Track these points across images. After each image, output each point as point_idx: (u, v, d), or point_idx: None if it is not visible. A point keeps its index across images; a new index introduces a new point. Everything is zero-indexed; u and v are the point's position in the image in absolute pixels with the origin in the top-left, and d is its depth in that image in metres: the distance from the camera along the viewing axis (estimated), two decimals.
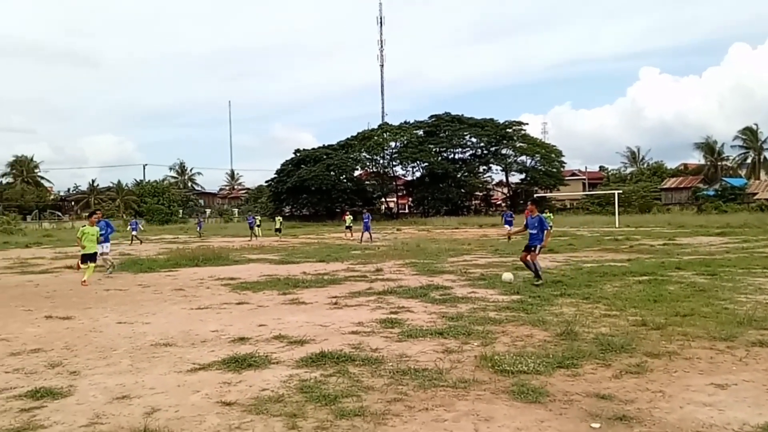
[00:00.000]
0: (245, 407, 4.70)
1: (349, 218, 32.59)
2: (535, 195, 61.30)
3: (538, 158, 72.22)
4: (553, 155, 73.56)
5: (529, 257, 11.53)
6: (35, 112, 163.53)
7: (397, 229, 44.24)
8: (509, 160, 73.67)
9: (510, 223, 30.09)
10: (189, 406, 4.81)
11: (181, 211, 79.42)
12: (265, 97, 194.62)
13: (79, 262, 14.01)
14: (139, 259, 19.42)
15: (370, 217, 30.39)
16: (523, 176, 74.31)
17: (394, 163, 74.88)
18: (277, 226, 35.69)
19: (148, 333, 7.82)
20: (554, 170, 72.49)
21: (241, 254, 21.41)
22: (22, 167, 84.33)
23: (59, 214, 79.18)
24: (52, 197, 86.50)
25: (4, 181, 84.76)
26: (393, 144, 73.33)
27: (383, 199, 79.48)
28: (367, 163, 75.52)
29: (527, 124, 75.60)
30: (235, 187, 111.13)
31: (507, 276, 11.95)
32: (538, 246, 11.56)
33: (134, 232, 33.94)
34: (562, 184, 74.76)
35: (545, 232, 11.64)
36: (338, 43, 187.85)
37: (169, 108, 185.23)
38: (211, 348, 6.86)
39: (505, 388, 5.00)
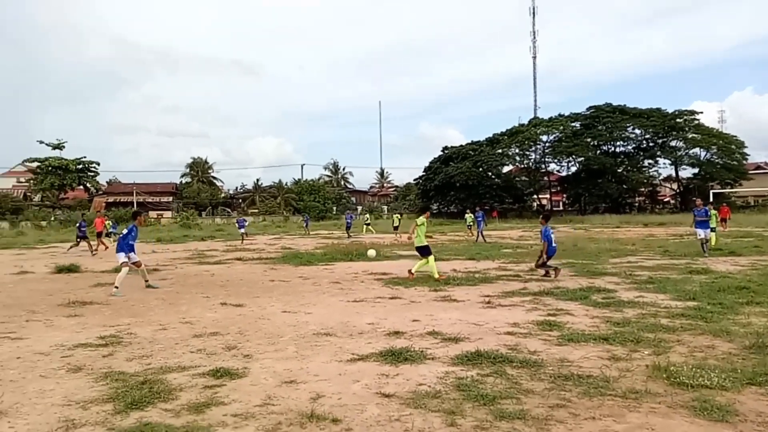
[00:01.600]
0: (403, 400, 4.75)
1: (469, 217, 32.04)
2: (710, 191, 55.86)
3: (714, 150, 65.17)
4: (733, 146, 65.98)
5: None
6: (209, 118, 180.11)
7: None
8: (679, 153, 67.22)
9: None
10: (350, 394, 4.96)
11: (334, 208, 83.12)
12: (413, 96, 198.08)
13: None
14: (299, 253, 20.56)
15: (484, 216, 29.47)
16: (695, 171, 67.59)
17: (547, 158, 72.11)
18: (395, 224, 35.50)
19: (310, 322, 8.21)
20: (734, 163, 65.02)
21: (391, 250, 21.87)
22: (198, 168, 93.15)
23: (228, 210, 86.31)
24: (222, 195, 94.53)
25: (184, 180, 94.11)
26: (545, 138, 70.64)
27: (535, 196, 76.96)
28: (518, 159, 73.37)
29: (700, 112, 68.29)
30: (384, 185, 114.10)
31: (371, 252, 14.78)
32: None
33: (242, 230, 33.07)
34: (744, 178, 67.02)
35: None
36: (486, 37, 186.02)
37: (324, 110, 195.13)
38: (368, 340, 7.04)
39: (683, 403, 4.57)
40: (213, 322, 8.32)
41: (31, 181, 77.75)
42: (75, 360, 6.19)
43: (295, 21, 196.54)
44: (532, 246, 23.47)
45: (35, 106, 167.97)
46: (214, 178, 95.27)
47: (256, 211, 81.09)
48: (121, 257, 11.78)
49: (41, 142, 75.96)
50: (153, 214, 72.70)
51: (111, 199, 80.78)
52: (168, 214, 76.52)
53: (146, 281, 12.15)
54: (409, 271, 13.07)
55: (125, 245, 11.91)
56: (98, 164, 78.77)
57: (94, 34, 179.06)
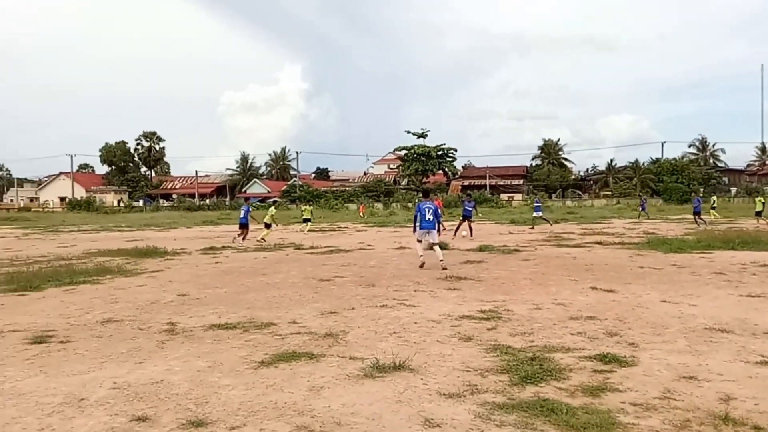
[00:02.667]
0: None
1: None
2: None
3: None
4: None
5: None
6: (558, 99, 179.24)
7: None
8: None
9: None
10: None
11: (701, 189, 74.37)
12: None
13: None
14: (666, 238, 18.87)
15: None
16: None
17: None
18: (758, 209, 28.23)
19: (698, 315, 7.36)
20: None
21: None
22: (549, 150, 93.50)
23: (579, 192, 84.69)
24: (572, 177, 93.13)
25: (534, 163, 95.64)
26: None
27: None
28: None
29: None
30: (767, 162, 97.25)
31: None
32: None
33: (644, 210, 36.79)
34: None
35: None
36: None
37: (687, 81, 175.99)
38: None
39: None
40: (587, 306, 8.10)
41: (400, 167, 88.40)
42: (463, 330, 6.67)
43: None
44: None
45: (404, 100, 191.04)
46: (565, 159, 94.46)
47: (609, 193, 77.69)
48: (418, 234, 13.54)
49: (408, 132, 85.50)
50: (504, 196, 75.87)
51: (466, 183, 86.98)
52: (518, 196, 78.90)
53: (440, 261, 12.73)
54: None
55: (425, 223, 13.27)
56: (455, 150, 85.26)
57: (452, 28, 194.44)
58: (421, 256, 13.17)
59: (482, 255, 15.14)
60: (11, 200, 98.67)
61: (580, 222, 32.92)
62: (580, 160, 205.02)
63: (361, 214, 46.74)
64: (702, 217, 27.79)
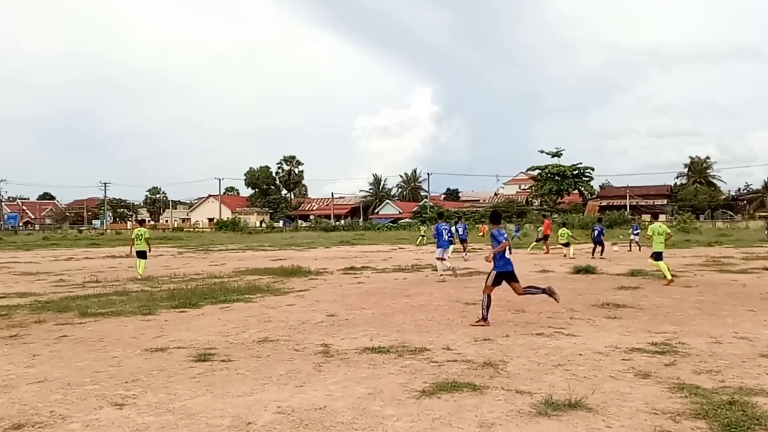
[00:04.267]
0: None
1: None
2: None
3: None
4: None
5: None
6: (701, 114, 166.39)
7: None
8: None
9: None
10: None
11: None
12: None
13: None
14: None
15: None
16: None
17: None
18: None
19: None
20: None
21: None
22: (696, 168, 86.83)
23: (731, 213, 77.63)
24: (723, 197, 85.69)
25: (678, 182, 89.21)
26: None
27: None
28: None
29: None
30: None
31: None
32: None
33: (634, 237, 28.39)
34: None
35: None
36: None
37: None
38: None
39: None
40: None
41: (532, 187, 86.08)
42: (637, 365, 6.04)
43: None
44: None
45: (536, 118, 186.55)
46: (714, 177, 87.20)
47: (766, 214, 70.41)
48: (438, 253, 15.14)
49: (542, 152, 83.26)
50: (646, 217, 71.18)
51: (604, 203, 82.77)
52: (662, 217, 73.70)
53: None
54: None
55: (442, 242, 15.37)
56: (593, 169, 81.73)
57: (586, 44, 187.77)
58: (441, 274, 15.08)
59: (636, 280, 14.06)
60: (166, 221, 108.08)
61: (737, 245, 29.95)
62: (730, 179, 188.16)
63: (481, 233, 46.09)
64: None
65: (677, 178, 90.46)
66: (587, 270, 16.42)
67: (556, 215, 72.34)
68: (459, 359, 6.41)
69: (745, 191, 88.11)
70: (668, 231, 14.29)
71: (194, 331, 8.43)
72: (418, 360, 6.43)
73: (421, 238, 25.85)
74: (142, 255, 17.17)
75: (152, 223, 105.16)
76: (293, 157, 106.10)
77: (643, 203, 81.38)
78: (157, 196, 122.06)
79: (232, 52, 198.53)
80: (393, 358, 6.53)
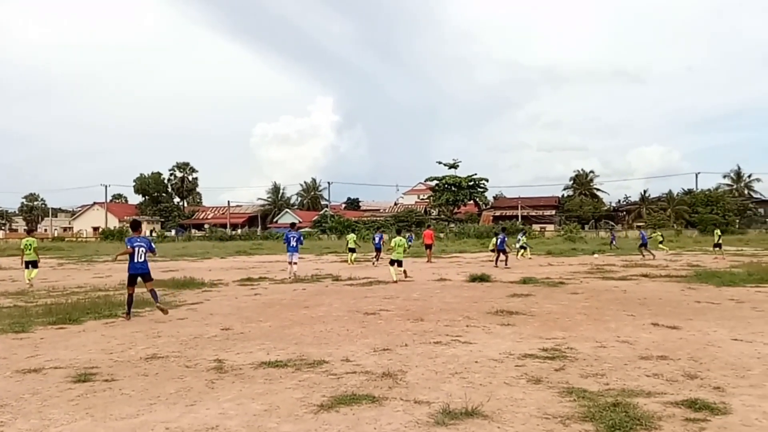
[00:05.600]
0: None
1: None
2: None
3: None
4: None
5: None
6: (588, 130, 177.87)
7: None
8: None
9: None
10: None
11: (737, 221, 72.48)
12: None
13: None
14: (716, 271, 18.13)
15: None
16: None
17: None
18: (717, 242, 28.67)
19: None
20: None
21: None
22: (581, 181, 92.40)
23: (612, 223, 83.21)
24: (605, 208, 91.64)
25: (565, 194, 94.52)
26: None
27: None
28: None
29: None
30: None
31: None
32: None
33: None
34: None
35: None
36: None
37: (720, 112, 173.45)
38: None
39: None
40: (654, 344, 7.60)
41: (431, 198, 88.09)
42: (530, 371, 6.24)
43: (682, 17, 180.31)
44: None
45: (435, 131, 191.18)
46: (598, 190, 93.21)
47: (643, 224, 76.12)
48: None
49: (439, 163, 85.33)
50: (536, 227, 74.82)
51: (497, 213, 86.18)
52: (550, 227, 77.79)
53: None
54: None
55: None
56: (487, 180, 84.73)
57: (483, 60, 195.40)
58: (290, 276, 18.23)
59: (527, 288, 14.62)
60: (45, 230, 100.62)
61: (618, 253, 32.14)
62: (611, 191, 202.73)
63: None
64: (649, 249, 29.44)
65: (564, 189, 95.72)
66: (482, 278, 16.91)
67: (452, 224, 74.43)
68: (358, 371, 6.34)
69: (625, 203, 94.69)
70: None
71: (74, 349, 7.82)
72: (316, 373, 6.29)
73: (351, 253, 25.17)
74: (33, 264, 17.31)
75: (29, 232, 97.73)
76: (187, 164, 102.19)
77: (534, 213, 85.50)
78: (35, 203, 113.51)
79: (122, 51, 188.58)
80: (290, 372, 6.35)
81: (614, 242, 39.31)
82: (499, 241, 23.79)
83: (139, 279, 10.59)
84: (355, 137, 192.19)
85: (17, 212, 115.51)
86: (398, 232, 20.38)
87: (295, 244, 18.55)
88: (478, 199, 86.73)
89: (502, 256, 23.28)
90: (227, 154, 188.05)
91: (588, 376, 6.02)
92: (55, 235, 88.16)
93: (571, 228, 62.21)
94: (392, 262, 17.73)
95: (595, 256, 29.87)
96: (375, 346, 7.62)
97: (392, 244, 18.34)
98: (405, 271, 18.05)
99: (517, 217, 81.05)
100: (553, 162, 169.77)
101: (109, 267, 26.14)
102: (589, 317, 9.93)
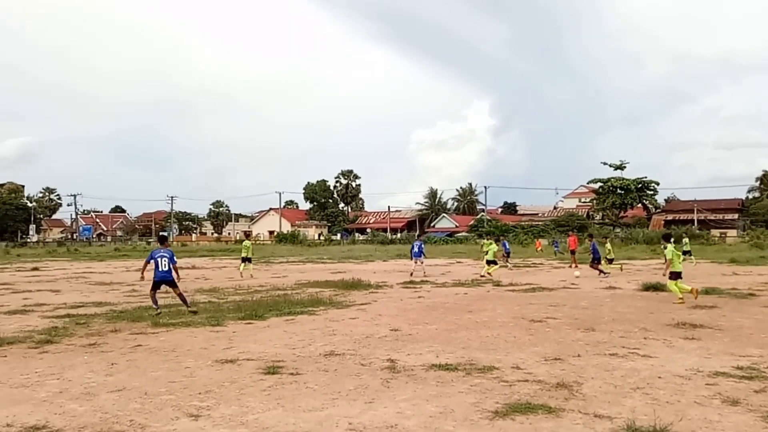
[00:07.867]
0: None
1: None
2: None
3: None
4: None
5: None
6: None
7: None
8: None
9: None
10: None
11: None
12: None
13: None
14: None
15: None
16: None
17: None
18: None
19: None
20: None
21: None
22: None
23: None
24: None
25: (751, 195, 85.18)
26: None
27: None
28: None
29: None
30: None
31: None
32: None
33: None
34: None
35: None
36: None
37: None
38: None
39: None
40: None
41: (594, 201, 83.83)
42: (724, 390, 5.72)
43: None
44: None
45: (597, 130, 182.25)
46: None
47: None
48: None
49: (604, 164, 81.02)
50: (715, 232, 68.12)
51: (669, 217, 79.75)
52: (732, 232, 70.50)
53: None
54: None
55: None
56: (657, 183, 79.07)
57: (652, 55, 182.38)
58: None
59: (711, 299, 13.39)
60: (229, 233, 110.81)
61: None
62: None
63: (538, 249, 45.56)
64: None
65: (749, 192, 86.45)
66: (656, 287, 15.76)
67: (618, 229, 70.09)
68: (530, 379, 6.24)
69: None
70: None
71: (262, 343, 8.54)
72: (487, 379, 6.29)
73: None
74: (248, 260, 22.86)
75: (215, 235, 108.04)
76: (350, 171, 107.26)
77: (712, 218, 77.96)
78: (221, 209, 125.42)
79: (291, 74, 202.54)
80: (461, 376, 6.41)
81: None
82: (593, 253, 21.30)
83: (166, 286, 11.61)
84: (512, 140, 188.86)
85: (206, 217, 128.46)
86: (496, 241, 24.92)
87: (417, 250, 22.70)
88: (647, 202, 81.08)
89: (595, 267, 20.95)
90: (387, 161, 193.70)
91: None
92: (237, 237, 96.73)
93: (758, 234, 55.81)
94: (488, 263, 21.32)
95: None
96: (545, 355, 7.44)
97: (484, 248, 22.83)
98: (490, 273, 20.77)
99: (692, 221, 74.43)
100: (732, 160, 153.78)
101: (284, 268, 28.15)
102: None
